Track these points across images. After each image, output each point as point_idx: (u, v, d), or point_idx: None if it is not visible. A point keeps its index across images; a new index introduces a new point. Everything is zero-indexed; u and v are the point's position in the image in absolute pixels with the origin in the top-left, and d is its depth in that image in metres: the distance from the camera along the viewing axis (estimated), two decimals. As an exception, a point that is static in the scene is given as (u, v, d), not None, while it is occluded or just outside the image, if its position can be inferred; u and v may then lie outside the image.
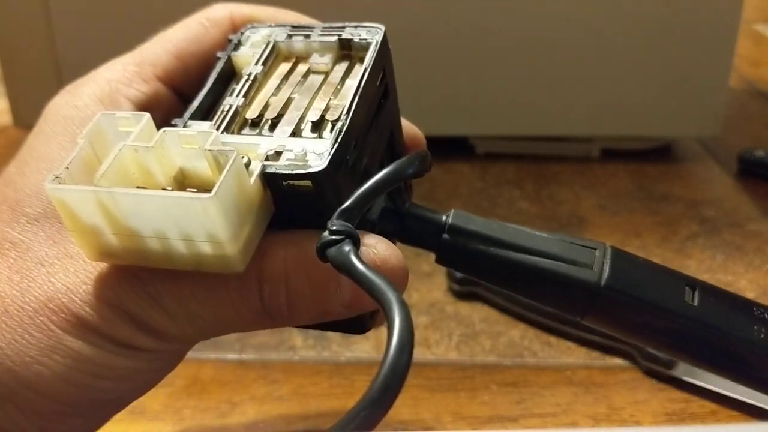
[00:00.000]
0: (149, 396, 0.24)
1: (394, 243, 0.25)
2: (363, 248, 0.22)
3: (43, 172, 0.23)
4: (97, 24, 0.56)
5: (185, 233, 0.20)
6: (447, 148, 0.61)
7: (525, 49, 0.58)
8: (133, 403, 0.24)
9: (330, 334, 0.41)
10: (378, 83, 0.25)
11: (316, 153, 0.21)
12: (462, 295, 0.45)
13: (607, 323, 0.27)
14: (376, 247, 0.22)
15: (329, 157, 0.21)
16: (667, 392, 0.37)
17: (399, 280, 0.22)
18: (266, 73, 0.25)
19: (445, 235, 0.26)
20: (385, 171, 0.22)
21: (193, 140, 0.20)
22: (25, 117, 0.60)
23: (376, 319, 0.26)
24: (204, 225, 0.19)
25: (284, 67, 0.25)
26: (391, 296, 0.18)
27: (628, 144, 0.63)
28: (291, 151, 0.21)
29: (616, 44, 0.58)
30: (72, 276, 0.22)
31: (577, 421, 0.36)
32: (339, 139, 0.21)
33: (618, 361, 0.40)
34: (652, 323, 0.26)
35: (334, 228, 0.20)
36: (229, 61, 0.25)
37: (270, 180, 0.21)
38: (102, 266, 0.22)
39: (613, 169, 0.61)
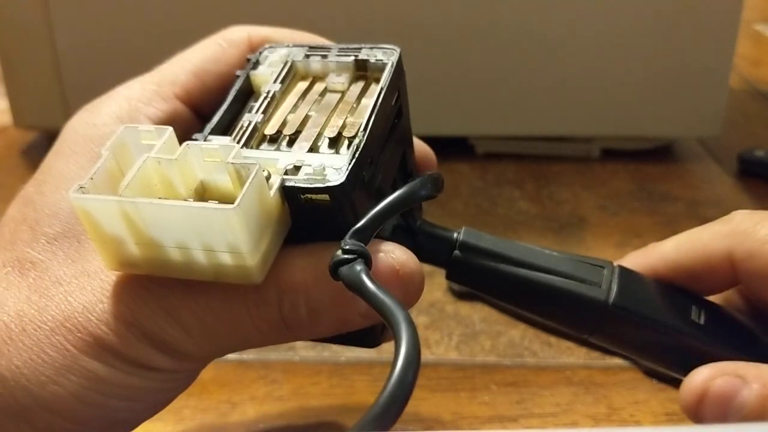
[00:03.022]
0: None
1: None
2: (381, 254, 0.22)
3: (61, 192, 0.24)
4: (97, 24, 0.56)
5: (207, 244, 0.20)
6: (447, 148, 0.61)
7: (525, 49, 0.58)
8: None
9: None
10: (393, 103, 0.25)
11: (334, 168, 0.22)
12: (462, 295, 0.45)
13: (614, 341, 0.27)
14: (394, 252, 0.22)
15: (347, 171, 0.21)
16: (667, 392, 0.37)
17: (416, 284, 0.22)
18: (284, 92, 0.25)
19: (456, 252, 0.26)
20: (398, 193, 0.23)
21: (216, 154, 0.21)
22: (25, 117, 0.60)
23: (387, 334, 0.26)
24: (226, 236, 0.20)
25: (302, 86, 0.26)
26: (399, 315, 0.19)
27: (628, 144, 0.63)
28: (309, 165, 0.22)
29: (616, 44, 0.58)
30: (89, 294, 0.22)
31: (577, 421, 0.36)
32: (356, 155, 0.22)
33: (618, 361, 0.40)
34: (658, 341, 0.26)
35: (347, 247, 0.21)
36: (248, 80, 0.26)
37: (289, 193, 0.21)
38: (118, 283, 0.22)
39: (613, 169, 0.61)
